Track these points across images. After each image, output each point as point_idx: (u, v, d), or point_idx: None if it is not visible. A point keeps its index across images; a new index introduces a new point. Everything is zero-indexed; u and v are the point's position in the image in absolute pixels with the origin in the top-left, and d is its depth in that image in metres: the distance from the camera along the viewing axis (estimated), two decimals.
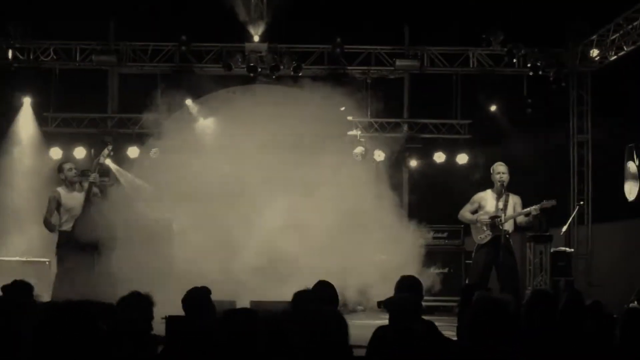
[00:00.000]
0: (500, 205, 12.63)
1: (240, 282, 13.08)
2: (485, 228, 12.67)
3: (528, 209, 12.79)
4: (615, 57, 16.24)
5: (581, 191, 17.39)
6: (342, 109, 16.77)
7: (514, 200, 12.71)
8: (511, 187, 12.88)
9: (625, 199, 15.49)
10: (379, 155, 16.82)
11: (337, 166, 15.44)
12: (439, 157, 16.99)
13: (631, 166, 15.48)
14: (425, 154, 17.17)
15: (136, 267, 13.17)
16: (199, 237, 14.39)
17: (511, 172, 12.88)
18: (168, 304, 10.12)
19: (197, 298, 7.00)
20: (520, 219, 12.69)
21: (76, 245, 11.81)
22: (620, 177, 15.68)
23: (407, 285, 7.11)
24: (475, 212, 12.84)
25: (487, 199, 12.79)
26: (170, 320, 9.36)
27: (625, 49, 15.83)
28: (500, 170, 12.66)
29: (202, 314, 6.86)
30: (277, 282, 12.15)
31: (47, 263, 14.13)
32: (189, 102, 16.52)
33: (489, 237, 12.66)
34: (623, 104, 15.25)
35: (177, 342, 4.51)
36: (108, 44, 16.99)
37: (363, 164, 16.48)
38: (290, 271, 13.06)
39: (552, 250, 15.77)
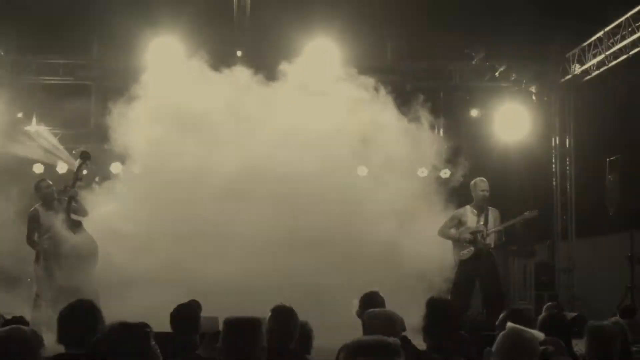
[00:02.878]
0: (482, 220, 12.63)
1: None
2: (467, 244, 12.66)
3: (511, 221, 12.81)
4: (597, 71, 16.31)
5: (564, 205, 17.45)
6: None
7: (494, 215, 12.71)
8: (493, 201, 12.91)
9: (606, 212, 15.55)
10: (362, 171, 16.72)
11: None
12: (422, 172, 16.90)
13: (612, 180, 15.54)
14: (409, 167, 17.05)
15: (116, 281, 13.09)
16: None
17: (493, 186, 12.91)
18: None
19: (187, 314, 6.99)
20: (496, 237, 12.69)
21: (56, 263, 11.68)
22: (601, 190, 15.75)
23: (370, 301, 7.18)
24: (454, 228, 12.82)
25: (467, 215, 12.76)
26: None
27: (606, 63, 15.90)
28: (482, 187, 12.64)
29: (190, 330, 6.86)
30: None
31: (28, 280, 14.00)
32: None
33: (471, 253, 12.64)
34: (604, 117, 15.32)
35: None
36: (91, 59, 16.96)
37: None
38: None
39: (535, 264, 15.82)
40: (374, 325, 6.19)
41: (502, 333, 5.00)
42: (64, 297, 10.87)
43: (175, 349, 6.25)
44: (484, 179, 12.83)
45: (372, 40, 16.70)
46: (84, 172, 12.36)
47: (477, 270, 12.58)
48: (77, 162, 12.28)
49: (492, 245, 12.68)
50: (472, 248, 12.59)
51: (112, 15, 15.31)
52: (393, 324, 6.24)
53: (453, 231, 12.75)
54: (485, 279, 12.60)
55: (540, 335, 5.49)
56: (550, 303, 9.95)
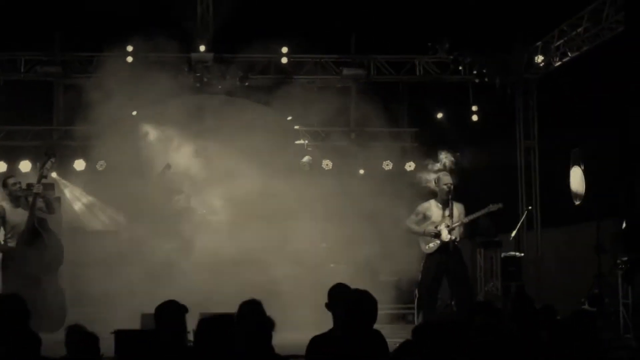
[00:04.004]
0: (446, 213, 12.68)
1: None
2: (432, 237, 12.70)
3: (476, 213, 12.89)
4: (560, 63, 16.39)
5: (529, 196, 17.55)
6: (289, 118, 16.76)
7: (458, 209, 12.77)
8: (459, 195, 12.96)
9: (572, 203, 15.65)
10: (327, 165, 16.78)
11: (286, 176, 15.36)
12: (387, 165, 16.94)
13: (576, 170, 15.65)
14: (373, 162, 17.06)
15: (86, 286, 13.06)
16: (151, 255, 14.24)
17: (459, 179, 12.97)
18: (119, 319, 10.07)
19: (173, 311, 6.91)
20: (461, 231, 12.75)
21: (21, 263, 11.59)
22: (566, 181, 15.86)
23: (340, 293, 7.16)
24: (420, 222, 12.86)
25: (432, 209, 12.82)
26: (118, 334, 9.28)
27: (569, 54, 15.99)
28: (446, 181, 12.72)
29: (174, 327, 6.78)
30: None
31: None
32: (134, 113, 16.34)
33: (437, 246, 12.68)
34: (568, 109, 15.40)
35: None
36: (53, 54, 16.81)
37: (311, 173, 16.43)
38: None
39: (502, 255, 15.88)
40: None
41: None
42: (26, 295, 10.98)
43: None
44: (447, 173, 12.94)
45: (336, 32, 16.70)
46: (49, 169, 12.22)
47: (445, 264, 12.65)
48: (47, 164, 12.12)
49: (458, 239, 12.73)
50: (438, 242, 12.64)
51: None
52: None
53: (417, 226, 12.80)
54: (453, 272, 12.67)
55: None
56: (516, 293, 10.00)
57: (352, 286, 7.13)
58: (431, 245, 12.70)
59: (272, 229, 14.45)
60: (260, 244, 14.22)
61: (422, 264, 12.84)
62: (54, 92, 17.23)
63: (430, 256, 12.73)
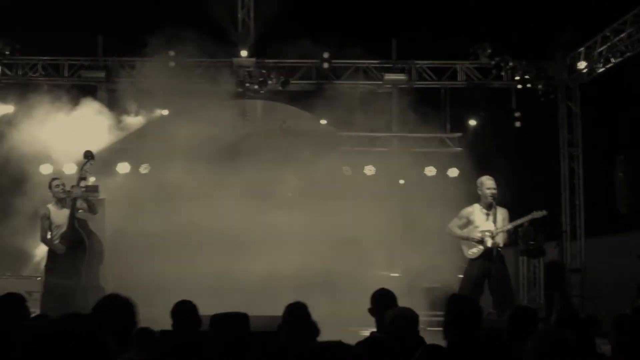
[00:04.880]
0: (490, 219, 12.57)
1: (235, 297, 12.94)
2: (476, 243, 12.59)
3: (519, 220, 12.76)
4: (603, 69, 16.27)
5: (572, 204, 17.37)
6: (323, 122, 16.79)
7: (502, 214, 12.64)
8: (501, 201, 12.84)
9: (616, 212, 15.48)
10: (370, 170, 16.75)
11: (328, 181, 15.38)
12: (430, 171, 16.87)
13: (622, 178, 15.47)
14: (416, 168, 17.00)
15: (126, 280, 13.12)
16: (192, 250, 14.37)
17: (501, 185, 12.86)
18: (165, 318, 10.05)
19: (186, 311, 6.93)
20: (505, 237, 12.62)
21: (64, 260, 11.82)
22: (611, 189, 15.68)
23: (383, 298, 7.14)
24: (463, 227, 12.75)
25: (476, 214, 12.68)
26: (163, 335, 9.28)
27: (612, 60, 15.86)
28: (489, 185, 12.56)
29: (190, 326, 6.79)
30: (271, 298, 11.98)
31: (37, 279, 14.06)
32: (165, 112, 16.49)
33: (480, 252, 12.57)
34: (612, 116, 15.26)
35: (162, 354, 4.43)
36: (96, 59, 16.95)
37: (353, 178, 16.43)
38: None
39: (545, 263, 15.76)
40: (398, 323, 6.19)
41: (534, 336, 4.84)
42: (72, 294, 11.12)
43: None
44: (490, 177, 12.76)
45: (377, 37, 16.69)
46: (88, 171, 12.35)
47: (487, 270, 12.51)
48: (85, 166, 12.26)
49: (501, 245, 12.61)
50: (481, 247, 12.53)
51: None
52: (416, 322, 6.23)
53: (461, 230, 12.70)
54: (495, 279, 12.53)
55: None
56: (561, 303, 9.90)
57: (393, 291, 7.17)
58: (474, 250, 12.58)
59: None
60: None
61: (464, 269, 12.75)
62: (97, 95, 17.31)
63: (472, 261, 12.61)
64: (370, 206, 15.00)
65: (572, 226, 17.11)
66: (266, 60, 16.82)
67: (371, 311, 7.20)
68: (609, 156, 15.76)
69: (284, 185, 15.13)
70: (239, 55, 16.66)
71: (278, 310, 6.69)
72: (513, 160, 15.53)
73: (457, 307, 6.27)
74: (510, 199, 13.48)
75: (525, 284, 16.15)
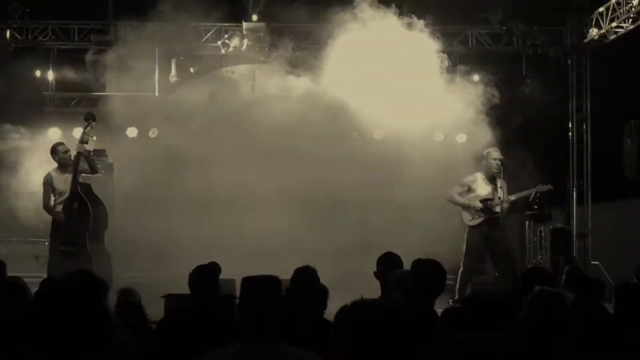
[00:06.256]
0: (492, 188, 12.65)
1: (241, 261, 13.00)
2: (477, 211, 12.68)
3: (524, 192, 12.87)
4: (614, 35, 16.21)
5: (580, 170, 17.38)
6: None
7: (503, 185, 12.74)
8: (510, 167, 12.91)
9: (623, 177, 15.49)
10: (378, 135, 16.72)
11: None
12: (438, 136, 16.81)
13: (629, 144, 15.47)
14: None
15: (134, 245, 13.21)
16: (200, 213, 14.41)
17: (510, 152, 12.93)
18: (169, 283, 10.13)
19: (205, 275, 6.96)
20: (506, 207, 12.70)
21: (67, 225, 11.82)
22: (619, 155, 15.69)
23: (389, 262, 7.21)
24: (464, 194, 12.84)
25: (478, 182, 12.80)
26: (169, 298, 9.37)
27: (624, 27, 15.80)
28: (496, 156, 12.70)
29: (208, 292, 6.83)
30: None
31: (46, 243, 14.12)
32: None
33: (479, 220, 12.69)
34: (622, 82, 15.23)
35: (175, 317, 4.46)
36: (106, 23, 16.95)
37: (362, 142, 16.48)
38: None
39: (551, 228, 15.81)
40: (405, 285, 6.28)
41: (531, 295, 4.92)
42: (76, 259, 11.15)
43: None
44: (497, 149, 12.86)
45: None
46: (89, 134, 12.26)
47: (488, 238, 12.64)
48: (87, 129, 12.19)
49: (501, 215, 12.72)
50: (482, 215, 12.62)
51: None
52: None
53: (462, 198, 12.78)
54: (496, 249, 12.68)
55: (570, 296, 5.45)
56: (569, 265, 9.94)
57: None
58: (476, 217, 12.69)
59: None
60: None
61: (465, 236, 12.82)
62: (106, 59, 17.31)
63: (472, 229, 12.73)
64: (377, 169, 15.06)
65: (579, 192, 17.15)
66: (277, 24, 16.77)
67: (376, 274, 7.27)
68: (617, 123, 15.75)
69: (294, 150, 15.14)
70: (249, 20, 16.63)
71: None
72: (521, 126, 15.54)
73: (425, 270, 6.36)
74: (519, 165, 13.53)
75: (532, 248, 16.21)
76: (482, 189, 12.68)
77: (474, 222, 12.67)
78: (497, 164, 12.61)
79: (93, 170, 12.14)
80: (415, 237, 12.44)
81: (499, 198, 12.56)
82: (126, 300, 7.07)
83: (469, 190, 12.75)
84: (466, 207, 12.72)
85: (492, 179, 12.69)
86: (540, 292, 4.97)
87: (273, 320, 4.52)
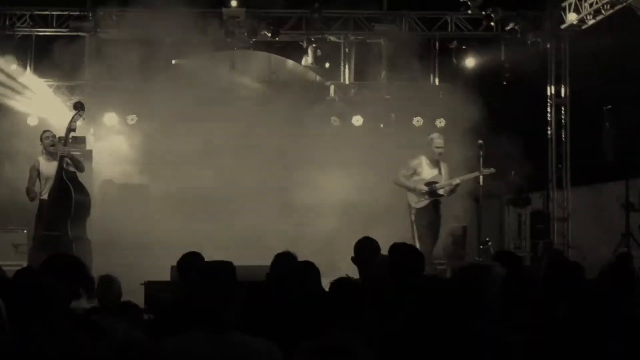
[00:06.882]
0: (435, 171, 12.86)
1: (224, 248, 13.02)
2: (423, 194, 12.85)
3: (467, 175, 13.03)
4: (593, 20, 16.24)
5: (559, 154, 17.45)
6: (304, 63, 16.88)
7: (445, 168, 13.00)
8: (490, 151, 13.04)
9: (602, 161, 15.56)
10: (357, 121, 16.78)
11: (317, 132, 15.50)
12: (418, 121, 16.88)
13: (608, 128, 15.53)
14: (404, 117, 17.00)
15: (113, 233, 13.21)
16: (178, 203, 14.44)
17: (490, 137, 13.05)
18: (149, 270, 10.14)
19: (192, 262, 6.97)
20: (448, 190, 12.87)
21: (50, 211, 11.89)
22: (597, 139, 15.75)
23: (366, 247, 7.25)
24: (409, 177, 13.00)
25: (423, 165, 13.02)
26: (148, 285, 9.40)
27: (603, 12, 15.83)
28: (439, 144, 12.95)
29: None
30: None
31: (25, 232, 14.11)
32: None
33: (425, 202, 12.86)
34: (601, 67, 15.27)
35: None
36: (85, 10, 16.87)
37: (341, 129, 16.52)
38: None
39: (530, 212, 15.89)
40: (383, 271, 6.33)
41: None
42: (57, 246, 11.17)
43: None
44: (441, 135, 13.07)
45: None
46: (78, 123, 12.29)
47: (432, 219, 12.86)
48: (75, 117, 12.21)
49: (444, 197, 12.94)
50: (428, 197, 12.81)
51: None
52: None
53: (407, 180, 12.95)
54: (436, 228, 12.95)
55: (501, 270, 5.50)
56: (554, 249, 10.02)
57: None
58: (422, 199, 12.86)
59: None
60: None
61: (413, 219, 12.94)
62: (85, 46, 17.23)
63: (420, 210, 12.91)
64: (356, 157, 15.13)
65: (559, 176, 17.24)
66: (256, 10, 16.74)
67: (354, 260, 7.30)
68: (596, 107, 15.81)
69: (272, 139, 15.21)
70: (228, 5, 16.59)
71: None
72: (500, 110, 15.61)
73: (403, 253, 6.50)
74: (497, 149, 13.61)
75: (511, 232, 16.29)
76: (427, 172, 12.94)
77: (420, 205, 12.88)
78: (439, 152, 12.84)
79: (78, 169, 12.23)
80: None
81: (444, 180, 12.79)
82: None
83: (415, 173, 12.95)
84: (412, 190, 12.88)
85: (436, 163, 12.93)
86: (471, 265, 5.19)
87: (224, 308, 4.38)
